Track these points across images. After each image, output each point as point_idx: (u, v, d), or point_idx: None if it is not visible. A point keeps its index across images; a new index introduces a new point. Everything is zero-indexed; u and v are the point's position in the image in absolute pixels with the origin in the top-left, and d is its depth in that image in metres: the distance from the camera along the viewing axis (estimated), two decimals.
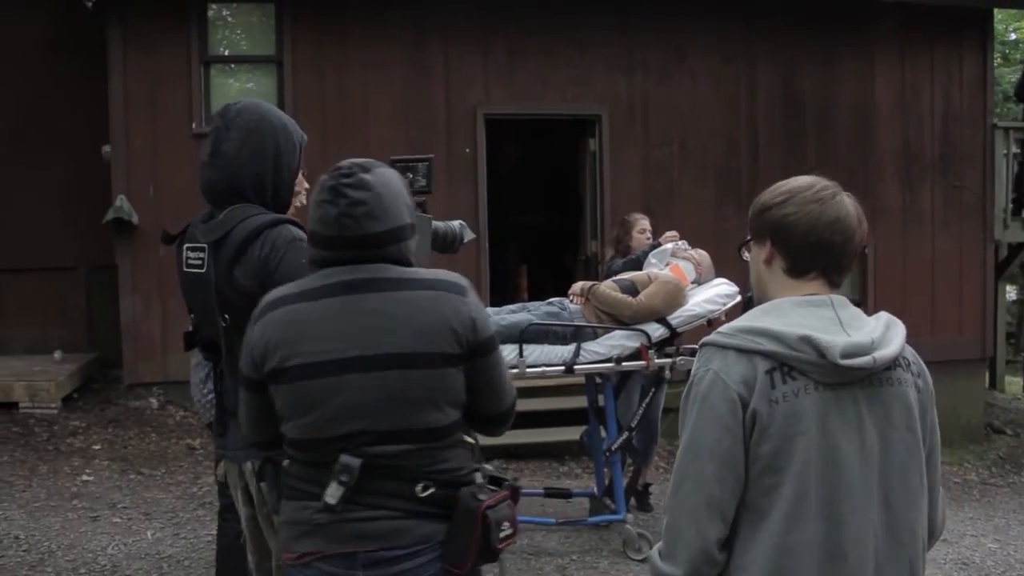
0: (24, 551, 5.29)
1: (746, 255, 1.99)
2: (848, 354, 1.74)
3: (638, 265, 6.08)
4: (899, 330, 1.88)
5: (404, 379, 2.10)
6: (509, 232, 11.49)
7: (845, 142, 9.86)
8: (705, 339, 1.88)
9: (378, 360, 2.10)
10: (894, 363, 1.83)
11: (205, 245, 2.66)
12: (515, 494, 2.29)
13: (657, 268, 5.88)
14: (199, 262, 2.69)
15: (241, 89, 8.80)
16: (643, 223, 6.45)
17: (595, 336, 5.37)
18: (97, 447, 7.40)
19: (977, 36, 10.26)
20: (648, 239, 6.31)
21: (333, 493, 2.08)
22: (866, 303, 9.89)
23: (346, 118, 8.65)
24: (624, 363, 5.36)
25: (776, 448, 1.74)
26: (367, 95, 8.72)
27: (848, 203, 1.88)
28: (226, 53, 8.87)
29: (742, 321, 1.85)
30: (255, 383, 2.21)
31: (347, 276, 2.15)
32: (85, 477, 6.76)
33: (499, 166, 9.88)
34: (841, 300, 1.88)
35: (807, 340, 1.74)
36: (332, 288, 2.15)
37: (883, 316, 1.90)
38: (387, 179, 2.20)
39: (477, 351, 2.18)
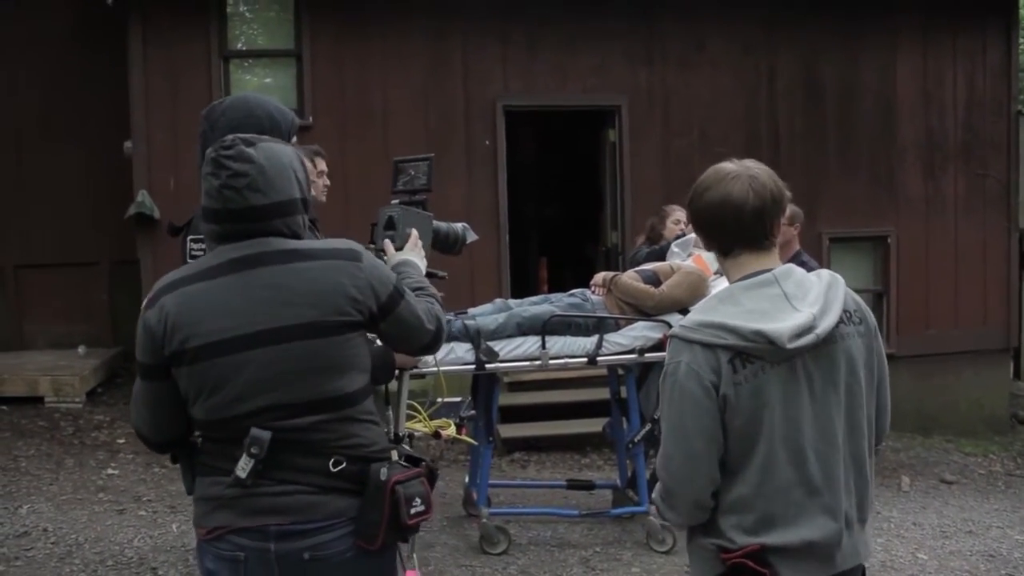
0: (52, 543, 5.33)
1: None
2: (794, 336, 2.04)
3: (661, 256, 6.06)
4: (839, 290, 2.15)
5: (307, 349, 2.11)
6: (529, 223, 11.48)
7: (867, 131, 9.77)
8: (672, 331, 2.18)
9: (280, 333, 2.10)
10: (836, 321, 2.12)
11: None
12: (431, 474, 2.30)
13: (680, 258, 5.85)
14: (202, 253, 2.73)
15: (260, 83, 8.81)
16: (678, 214, 6.44)
17: (617, 327, 5.35)
18: (121, 441, 7.45)
19: (1001, 22, 10.15)
20: (682, 230, 6.29)
21: (244, 466, 2.09)
22: (888, 293, 9.85)
23: (365, 111, 8.66)
24: (647, 354, 5.34)
25: (745, 420, 2.07)
26: (386, 87, 8.72)
27: (743, 182, 2.13)
28: (245, 47, 8.88)
29: (701, 314, 2.13)
30: (155, 368, 2.18)
31: (236, 253, 2.15)
32: (110, 471, 6.81)
33: (519, 157, 9.86)
34: (784, 272, 2.15)
35: (759, 333, 2.04)
36: (224, 266, 2.15)
37: (824, 276, 2.18)
38: (273, 153, 2.18)
39: (385, 310, 2.24)
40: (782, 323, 2.05)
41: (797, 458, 2.09)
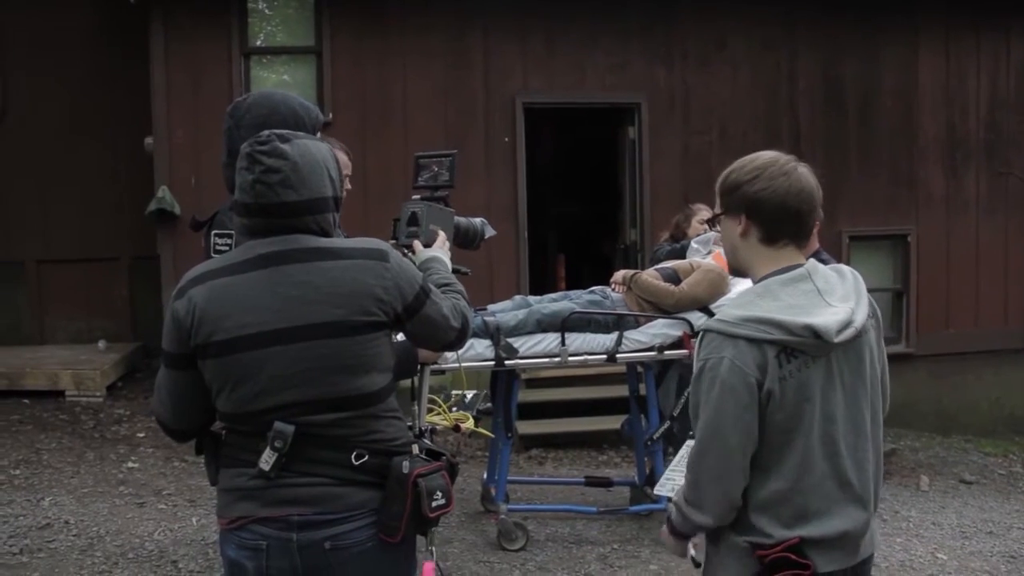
0: (74, 536, 5.37)
1: (717, 229, 2.22)
2: (840, 331, 2.05)
3: (681, 253, 6.05)
4: (862, 284, 2.18)
5: (330, 348, 2.13)
6: (548, 220, 11.47)
7: (888, 129, 9.72)
8: (708, 325, 2.14)
9: (303, 331, 2.12)
10: None
11: (233, 231, 2.71)
12: (452, 468, 2.32)
13: (700, 256, 5.84)
14: (227, 248, 2.75)
15: (280, 80, 8.84)
16: (704, 213, 6.41)
17: (637, 324, 5.35)
18: (141, 435, 7.50)
19: None
20: (706, 230, 6.27)
21: (267, 459, 2.12)
22: (908, 292, 9.79)
23: (385, 107, 8.68)
24: (666, 351, 5.34)
25: (787, 415, 2.06)
26: (406, 84, 8.73)
27: (808, 174, 2.15)
28: (265, 44, 8.91)
29: (742, 309, 2.10)
30: (180, 358, 2.20)
31: (265, 248, 2.17)
32: (131, 464, 6.85)
33: (537, 154, 9.86)
34: (812, 267, 2.16)
35: (808, 327, 2.03)
36: (253, 262, 2.17)
37: (846, 271, 2.20)
38: (307, 150, 2.19)
39: (411, 311, 2.25)
40: (824, 317, 2.05)
41: (831, 451, 2.10)
